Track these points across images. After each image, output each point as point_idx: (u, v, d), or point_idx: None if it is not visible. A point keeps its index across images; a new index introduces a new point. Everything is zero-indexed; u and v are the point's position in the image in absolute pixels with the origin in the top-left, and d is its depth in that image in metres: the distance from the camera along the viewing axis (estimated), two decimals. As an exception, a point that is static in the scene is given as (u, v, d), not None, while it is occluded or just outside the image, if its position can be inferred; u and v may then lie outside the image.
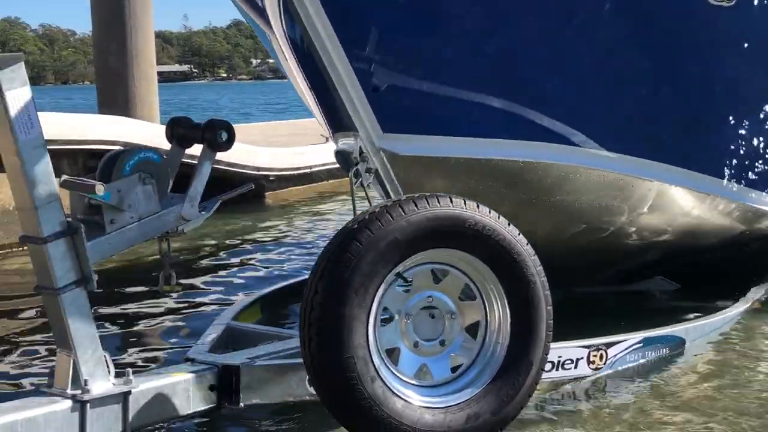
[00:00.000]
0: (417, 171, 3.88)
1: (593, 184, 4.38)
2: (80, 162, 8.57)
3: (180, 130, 3.35)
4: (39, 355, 4.58)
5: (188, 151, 3.41)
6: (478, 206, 3.28)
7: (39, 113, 2.92)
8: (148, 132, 9.02)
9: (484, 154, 4.03)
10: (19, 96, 2.83)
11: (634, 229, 4.77)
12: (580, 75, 4.20)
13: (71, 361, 2.96)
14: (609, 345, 4.12)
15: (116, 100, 11.60)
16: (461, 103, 3.94)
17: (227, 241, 7.70)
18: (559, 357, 3.94)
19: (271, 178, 10.28)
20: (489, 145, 4.04)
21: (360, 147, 3.74)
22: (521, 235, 3.35)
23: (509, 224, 3.33)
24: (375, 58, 3.68)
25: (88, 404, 2.95)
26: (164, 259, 3.35)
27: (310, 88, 3.73)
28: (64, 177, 3.02)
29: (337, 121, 3.78)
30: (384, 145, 3.76)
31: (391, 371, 3.21)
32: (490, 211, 3.31)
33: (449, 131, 3.94)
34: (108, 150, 9.65)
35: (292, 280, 5.51)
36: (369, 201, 3.67)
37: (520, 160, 4.12)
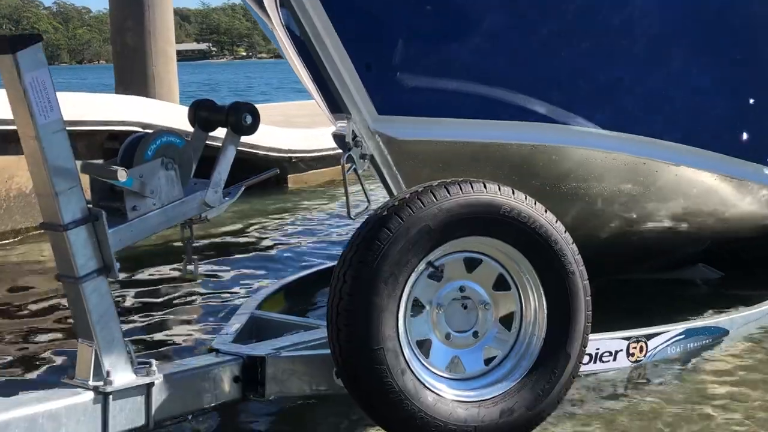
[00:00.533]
0: (418, 157, 3.73)
1: (613, 170, 4.19)
2: (97, 143, 8.63)
3: (203, 113, 3.36)
4: (60, 345, 4.63)
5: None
6: (513, 192, 3.27)
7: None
8: (168, 112, 9.06)
9: (494, 137, 3.80)
10: (38, 78, 2.85)
11: (666, 220, 4.67)
12: (600, 50, 3.98)
13: (93, 351, 2.99)
14: (649, 336, 4.10)
15: (134, 79, 11.67)
16: (468, 80, 3.71)
17: (249, 227, 7.74)
18: (597, 349, 3.93)
19: (293, 161, 10.30)
20: (500, 128, 3.80)
21: (353, 130, 3.57)
22: (559, 222, 3.34)
23: (546, 210, 3.32)
24: (367, 30, 3.49)
25: (111, 396, 2.97)
26: (187, 246, 3.37)
27: (303, 66, 3.57)
28: (85, 162, 3.04)
29: (332, 100, 3.59)
30: (379, 129, 3.60)
31: (422, 363, 3.22)
32: (526, 197, 3.29)
33: (454, 113, 3.72)
34: (126, 131, 9.66)
35: (317, 267, 5.53)
36: (364, 190, 3.55)
37: (533, 144, 3.90)
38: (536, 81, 3.89)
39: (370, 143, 3.61)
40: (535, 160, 3.99)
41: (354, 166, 3.55)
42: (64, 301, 5.06)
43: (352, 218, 3.57)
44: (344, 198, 3.57)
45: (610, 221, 4.45)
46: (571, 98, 3.98)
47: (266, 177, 3.58)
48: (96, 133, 8.41)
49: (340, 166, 3.56)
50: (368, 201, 3.58)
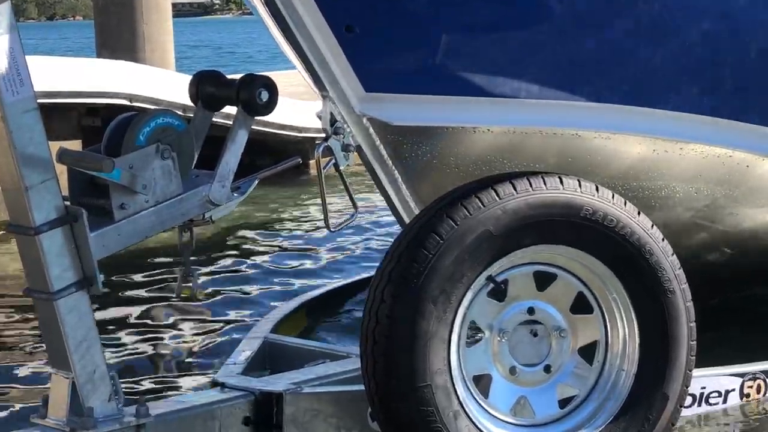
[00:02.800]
0: (419, 148, 3.60)
1: (688, 166, 3.94)
2: (74, 120, 8.76)
3: (208, 88, 3.39)
4: (31, 375, 4.69)
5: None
6: (597, 189, 3.27)
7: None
8: (161, 81, 9.16)
9: (521, 122, 3.53)
10: (4, 45, 2.90)
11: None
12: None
13: (70, 384, 3.03)
14: (769, 373, 4.08)
15: (119, 39, 11.83)
16: (484, 49, 3.43)
17: (261, 227, 7.80)
18: (703, 388, 3.92)
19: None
20: (530, 109, 3.49)
21: (332, 113, 3.42)
22: (655, 227, 3.33)
23: (639, 213, 3.32)
24: None
25: (92, 441, 3.02)
26: (185, 254, 3.41)
27: (276, 28, 3.43)
28: (62, 149, 3.09)
29: (315, 73, 3.41)
30: (368, 111, 3.40)
31: (480, 405, 3.22)
32: (613, 196, 3.29)
33: (466, 89, 3.43)
34: (109, 104, 9.72)
35: (347, 280, 5.56)
36: (349, 193, 3.48)
37: (575, 132, 3.63)
38: (583, 48, 3.56)
39: (356, 130, 3.47)
40: (581, 151, 3.73)
41: (333, 161, 3.44)
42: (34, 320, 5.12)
43: (332, 231, 3.51)
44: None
45: (710, 227, 4.40)
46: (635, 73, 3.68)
47: (286, 167, 3.60)
48: (72, 107, 8.52)
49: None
50: (354, 206, 3.52)
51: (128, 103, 8.68)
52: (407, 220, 3.69)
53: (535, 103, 3.48)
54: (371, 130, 3.50)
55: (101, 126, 8.30)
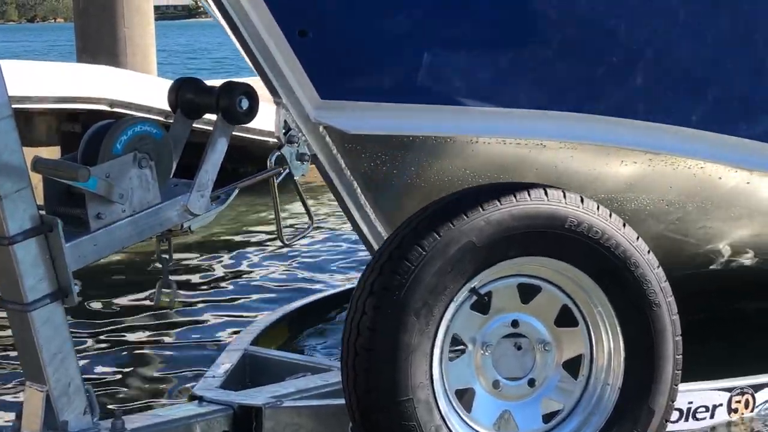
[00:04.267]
0: (378, 158, 3.51)
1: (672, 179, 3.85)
2: (54, 126, 8.74)
3: (188, 96, 3.40)
4: (2, 387, 4.68)
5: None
6: (582, 200, 3.28)
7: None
8: (143, 86, 9.14)
9: (483, 131, 3.42)
10: (-21, 51, 2.90)
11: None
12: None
13: (44, 397, 3.03)
14: (758, 387, 4.09)
15: (100, 43, 11.80)
16: (444, 55, 3.33)
17: (242, 236, 7.78)
18: (690, 403, 3.92)
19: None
20: (492, 118, 3.39)
21: (285, 121, 3.35)
22: (641, 239, 3.34)
23: (624, 225, 3.33)
24: None
25: (66, 455, 3.02)
26: (163, 264, 3.41)
27: (230, 32, 3.32)
28: (37, 157, 3.09)
29: (269, 82, 3.33)
30: (324, 119, 3.32)
31: (463, 419, 3.22)
32: (598, 207, 3.30)
33: (426, 97, 3.34)
34: (90, 110, 9.66)
35: (329, 291, 5.55)
36: (304, 205, 3.44)
37: (540, 142, 3.50)
38: (567, 50, 3.46)
39: (312, 139, 3.39)
40: (563, 165, 3.64)
41: (288, 171, 3.37)
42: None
43: (285, 244, 3.48)
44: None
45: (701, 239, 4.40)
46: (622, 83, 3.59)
47: (268, 176, 3.58)
48: (52, 112, 8.51)
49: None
50: (310, 219, 3.52)
51: (109, 108, 8.67)
52: (367, 233, 3.66)
53: (498, 111, 3.41)
54: (327, 138, 3.43)
55: (81, 132, 8.31)
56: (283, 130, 3.38)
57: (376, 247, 3.58)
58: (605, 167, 3.74)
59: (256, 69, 3.33)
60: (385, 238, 3.53)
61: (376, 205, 3.63)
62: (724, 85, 3.77)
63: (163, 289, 3.41)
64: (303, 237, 3.48)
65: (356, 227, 3.70)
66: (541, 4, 3.45)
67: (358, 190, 3.58)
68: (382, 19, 3.29)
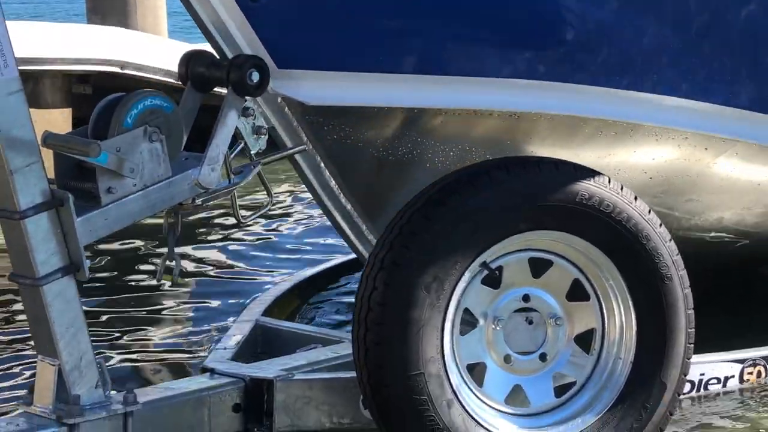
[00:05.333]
0: (341, 131, 3.39)
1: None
2: (65, 87, 8.73)
3: (198, 69, 3.38)
4: (16, 361, 4.68)
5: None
6: (594, 174, 3.28)
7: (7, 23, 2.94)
8: (154, 48, 9.10)
9: (451, 102, 3.31)
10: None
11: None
12: None
13: (56, 371, 3.06)
14: (770, 359, 4.11)
15: (110, 4, 11.76)
16: (408, 20, 3.20)
17: (247, 207, 7.74)
18: (702, 375, 3.95)
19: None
20: (462, 88, 3.26)
21: None
22: (653, 213, 3.35)
23: (636, 198, 3.33)
24: None
25: (78, 428, 3.04)
26: (170, 238, 3.40)
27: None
28: (48, 132, 3.10)
29: (221, 51, 3.23)
30: (281, 89, 3.18)
31: (474, 394, 3.25)
32: (610, 181, 3.31)
33: (389, 65, 3.21)
34: (100, 72, 9.56)
35: (342, 258, 5.54)
36: (263, 181, 3.29)
37: (513, 112, 3.42)
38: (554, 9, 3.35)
39: (269, 111, 3.27)
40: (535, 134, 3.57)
41: (242, 145, 3.22)
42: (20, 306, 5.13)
43: (242, 222, 3.37)
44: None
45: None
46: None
47: (290, 154, 3.49)
48: (62, 74, 8.50)
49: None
50: (269, 195, 3.41)
51: (120, 70, 8.64)
52: (332, 209, 3.55)
53: (468, 80, 3.31)
54: (287, 110, 3.30)
55: (92, 93, 8.30)
56: None
57: (350, 234, 3.54)
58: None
59: (206, 37, 3.23)
60: (359, 222, 3.50)
61: (340, 179, 3.51)
62: None
63: (168, 262, 3.40)
64: (260, 214, 3.40)
65: (320, 203, 3.57)
66: None
67: (322, 164, 3.46)
68: None
